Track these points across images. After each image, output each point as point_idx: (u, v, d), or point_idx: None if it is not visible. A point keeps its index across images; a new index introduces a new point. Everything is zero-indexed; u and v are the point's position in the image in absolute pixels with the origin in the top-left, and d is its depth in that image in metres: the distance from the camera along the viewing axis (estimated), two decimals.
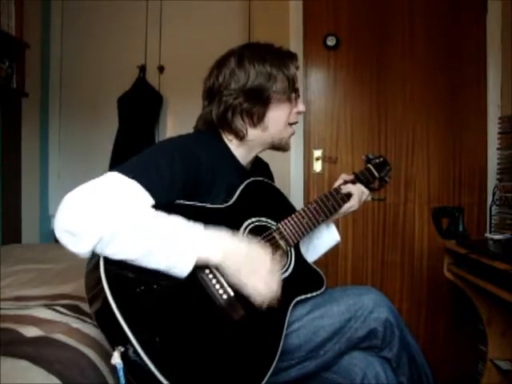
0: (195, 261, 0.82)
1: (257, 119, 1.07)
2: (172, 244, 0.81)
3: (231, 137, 1.10)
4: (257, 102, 1.05)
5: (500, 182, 2.09)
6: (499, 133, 2.14)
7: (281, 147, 1.16)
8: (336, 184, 1.25)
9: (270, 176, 1.30)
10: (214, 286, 0.88)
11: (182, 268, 0.81)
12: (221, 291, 0.89)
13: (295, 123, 1.15)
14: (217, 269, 0.88)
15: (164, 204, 0.88)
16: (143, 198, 0.85)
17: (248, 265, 0.88)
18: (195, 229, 0.85)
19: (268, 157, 1.29)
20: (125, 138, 2.40)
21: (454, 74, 2.25)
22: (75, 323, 1.02)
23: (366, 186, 1.28)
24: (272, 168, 1.33)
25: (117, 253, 0.78)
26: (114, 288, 0.76)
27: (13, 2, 2.13)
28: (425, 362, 1.10)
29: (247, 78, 1.04)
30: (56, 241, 0.80)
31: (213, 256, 0.85)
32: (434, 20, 2.26)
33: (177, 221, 0.84)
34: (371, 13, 2.27)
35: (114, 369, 0.77)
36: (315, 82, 2.32)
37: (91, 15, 2.53)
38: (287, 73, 1.07)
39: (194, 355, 0.81)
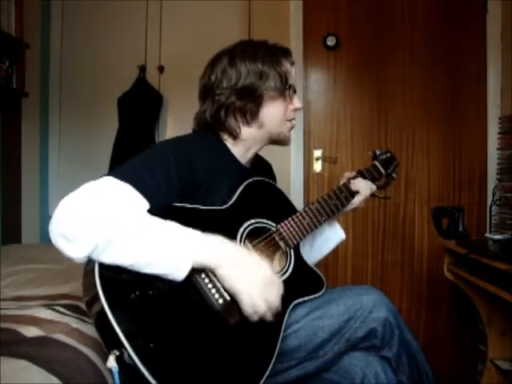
0: (191, 265, 0.81)
1: (250, 117, 1.07)
2: (167, 249, 0.80)
3: (226, 136, 1.10)
4: (249, 100, 1.05)
5: (500, 182, 2.09)
6: (499, 133, 2.13)
7: (280, 141, 1.15)
8: (341, 183, 1.23)
9: (272, 176, 1.29)
10: (209, 290, 0.87)
11: (177, 272, 0.81)
12: (217, 295, 0.88)
13: (293, 119, 1.14)
14: (213, 273, 0.87)
15: (161, 207, 0.87)
16: (138, 203, 0.84)
17: (243, 272, 0.86)
18: (190, 233, 0.84)
19: (268, 157, 1.28)
20: (125, 138, 2.40)
21: (454, 74, 2.25)
22: (75, 323, 1.02)
23: (372, 183, 1.27)
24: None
25: (113, 259, 0.78)
26: (108, 293, 0.76)
27: (13, 2, 2.13)
28: (425, 361, 1.10)
29: (238, 77, 1.04)
30: None
31: (208, 261, 0.84)
32: (434, 20, 2.26)
33: (172, 226, 0.84)
34: (371, 13, 2.27)
35: (110, 371, 0.77)
36: (315, 82, 2.32)
37: (91, 15, 2.52)
38: (279, 70, 1.07)
39: (189, 361, 0.80)
